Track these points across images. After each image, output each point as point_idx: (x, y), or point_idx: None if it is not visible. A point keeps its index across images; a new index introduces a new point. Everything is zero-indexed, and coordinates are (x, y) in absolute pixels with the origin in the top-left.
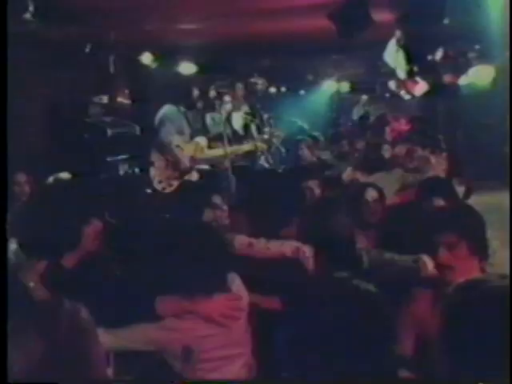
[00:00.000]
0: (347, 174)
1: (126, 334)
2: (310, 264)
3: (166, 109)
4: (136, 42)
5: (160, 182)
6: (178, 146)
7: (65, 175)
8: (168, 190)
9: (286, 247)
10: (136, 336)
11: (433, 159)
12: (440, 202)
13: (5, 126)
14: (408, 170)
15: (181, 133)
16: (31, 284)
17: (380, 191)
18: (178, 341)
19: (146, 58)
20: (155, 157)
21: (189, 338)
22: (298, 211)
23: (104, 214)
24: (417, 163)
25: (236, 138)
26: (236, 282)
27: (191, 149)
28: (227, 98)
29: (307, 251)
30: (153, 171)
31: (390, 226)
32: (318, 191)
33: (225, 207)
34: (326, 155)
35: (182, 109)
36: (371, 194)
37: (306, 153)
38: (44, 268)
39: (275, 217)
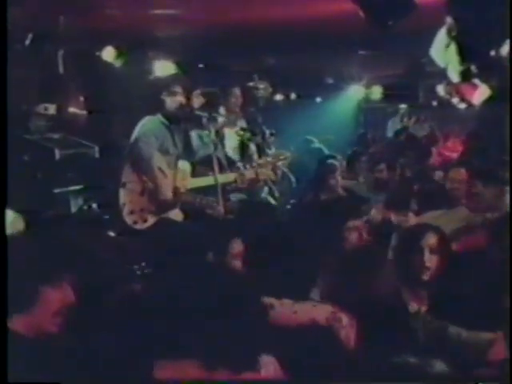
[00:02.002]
0: (378, 211)
1: None
2: (347, 336)
3: (147, 121)
4: (94, 32)
5: (131, 212)
6: (160, 169)
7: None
8: (140, 226)
9: (318, 312)
10: None
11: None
12: None
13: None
14: (473, 209)
15: (165, 152)
16: None
17: (442, 236)
18: None
19: (108, 54)
20: (128, 176)
21: None
22: (329, 265)
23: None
24: (482, 199)
25: (230, 163)
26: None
27: (177, 177)
28: (218, 109)
29: (344, 319)
30: (123, 196)
31: (451, 284)
32: (353, 236)
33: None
34: (351, 185)
35: (167, 122)
36: (429, 241)
37: (333, 183)
38: None
39: (301, 272)
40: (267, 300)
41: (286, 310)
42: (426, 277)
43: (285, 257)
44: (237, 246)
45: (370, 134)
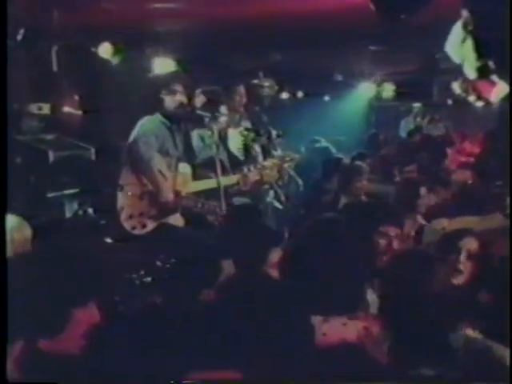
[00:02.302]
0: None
1: None
2: (380, 351)
3: (147, 120)
4: (90, 28)
5: (130, 217)
6: (159, 172)
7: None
8: (138, 232)
9: (349, 329)
10: None
11: None
12: None
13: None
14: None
15: (165, 153)
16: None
17: (483, 241)
18: None
19: (105, 51)
20: (126, 179)
21: None
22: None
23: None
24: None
25: (233, 165)
26: None
27: (178, 180)
28: (221, 108)
29: (378, 333)
30: (121, 200)
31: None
32: (382, 243)
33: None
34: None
35: (168, 122)
36: (470, 246)
37: (360, 186)
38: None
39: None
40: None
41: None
42: (456, 281)
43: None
44: (276, 255)
45: (382, 134)
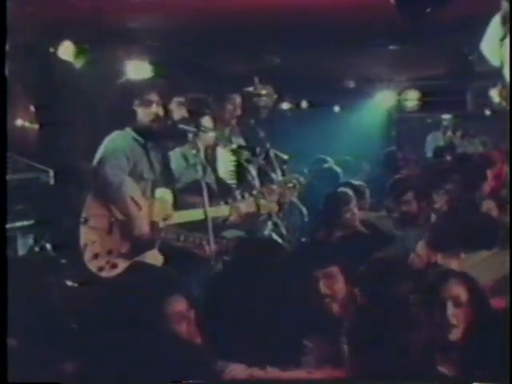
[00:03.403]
0: (419, 252)
1: None
2: None
3: (116, 137)
4: (48, 24)
5: (97, 255)
6: (132, 200)
7: None
8: (107, 274)
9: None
10: None
11: None
12: None
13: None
14: None
15: (138, 177)
16: None
17: (470, 285)
18: None
19: (66, 51)
20: (91, 209)
21: None
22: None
23: None
24: None
25: (224, 191)
26: None
27: (155, 208)
28: (207, 122)
29: None
30: (86, 235)
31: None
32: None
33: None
34: (379, 220)
35: (141, 139)
36: (453, 292)
37: (349, 216)
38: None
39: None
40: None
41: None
42: (452, 336)
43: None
44: None
45: (403, 152)
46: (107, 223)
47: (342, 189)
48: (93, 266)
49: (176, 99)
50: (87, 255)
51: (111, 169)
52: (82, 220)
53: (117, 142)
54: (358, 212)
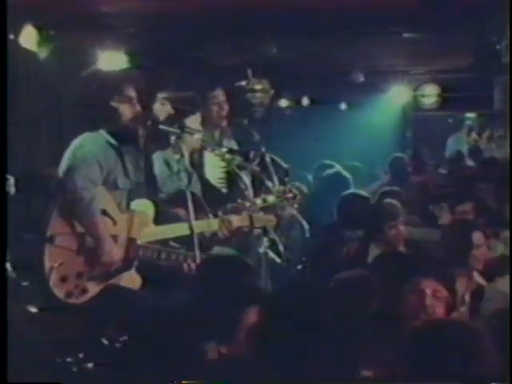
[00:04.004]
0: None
1: None
2: None
3: (86, 140)
4: (8, 7)
5: (64, 279)
6: (105, 213)
7: None
8: (76, 300)
9: None
10: None
11: None
12: None
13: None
14: None
15: (112, 186)
16: None
17: None
18: None
19: (28, 39)
20: (58, 225)
21: None
22: None
23: None
24: None
25: (213, 202)
26: None
27: (133, 223)
28: (193, 122)
29: None
30: (51, 255)
31: None
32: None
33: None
34: (424, 237)
35: (116, 142)
36: None
37: (394, 233)
38: None
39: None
40: None
41: None
42: None
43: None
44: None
45: (421, 156)
46: (76, 242)
47: (388, 200)
48: (60, 291)
49: (159, 95)
50: (53, 279)
51: (81, 181)
52: (47, 238)
53: (87, 146)
54: (404, 228)
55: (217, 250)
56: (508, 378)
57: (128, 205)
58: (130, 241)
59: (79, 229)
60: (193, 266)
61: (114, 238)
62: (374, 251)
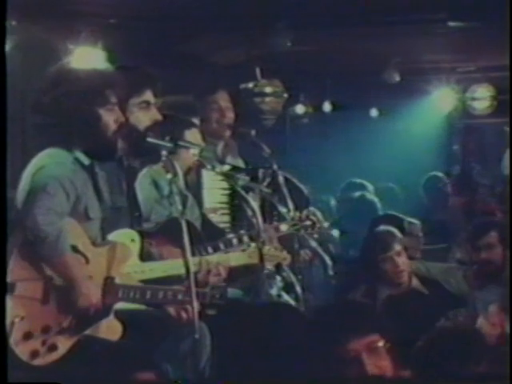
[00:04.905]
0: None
1: None
2: None
3: (47, 159)
4: None
5: (28, 336)
6: (75, 250)
7: None
8: (43, 361)
9: None
10: None
11: None
12: None
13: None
14: None
15: (82, 217)
16: None
17: None
18: None
19: None
20: (18, 270)
21: None
22: None
23: None
24: None
25: (212, 233)
26: None
27: (111, 258)
28: (190, 134)
29: None
30: (12, 308)
31: None
32: None
33: None
34: (444, 274)
35: (86, 160)
36: None
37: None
38: None
39: None
40: None
41: None
42: None
43: None
44: None
45: (471, 173)
46: (41, 289)
47: (382, 227)
48: (23, 350)
49: (145, 99)
50: (15, 336)
51: (43, 215)
52: (8, 287)
53: (49, 168)
54: (406, 262)
55: (217, 291)
56: (508, 378)
57: (103, 236)
58: (108, 280)
59: (45, 272)
60: (190, 312)
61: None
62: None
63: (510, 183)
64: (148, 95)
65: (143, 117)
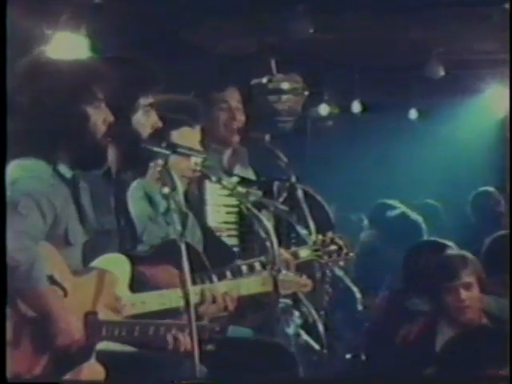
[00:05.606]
0: None
1: None
2: None
3: (20, 171)
4: None
5: None
6: (52, 281)
7: None
8: None
9: None
10: None
11: None
12: None
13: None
14: None
15: (61, 240)
16: None
17: None
18: None
19: None
20: None
21: None
22: None
23: None
24: None
25: (217, 258)
26: None
27: (95, 288)
28: (191, 139)
29: None
30: None
31: None
32: None
33: None
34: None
35: (67, 172)
36: None
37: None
38: None
39: None
40: None
41: None
42: None
43: None
44: None
45: None
46: (10, 329)
47: (452, 251)
48: None
49: (142, 100)
50: None
51: (14, 238)
52: None
53: (23, 182)
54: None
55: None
56: (508, 378)
57: (86, 263)
58: (89, 316)
59: (16, 307)
60: (181, 338)
61: None
62: (443, 333)
63: (510, 184)
64: (147, 98)
65: (144, 122)
